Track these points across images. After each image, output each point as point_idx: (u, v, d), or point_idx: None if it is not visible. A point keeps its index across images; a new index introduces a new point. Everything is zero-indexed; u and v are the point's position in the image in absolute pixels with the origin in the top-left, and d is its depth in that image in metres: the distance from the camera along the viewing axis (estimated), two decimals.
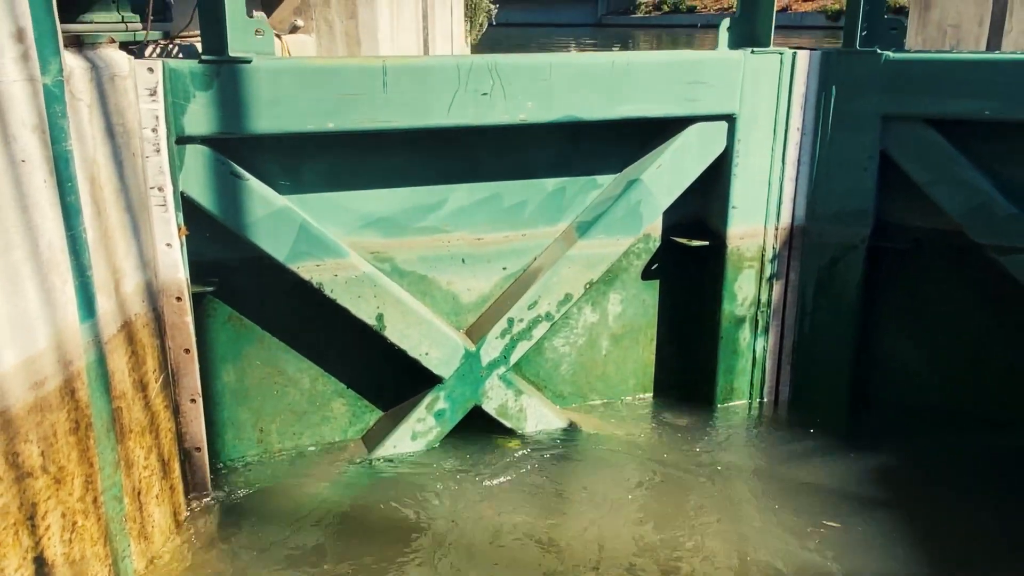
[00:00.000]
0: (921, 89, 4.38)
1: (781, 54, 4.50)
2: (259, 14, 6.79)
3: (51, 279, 2.86)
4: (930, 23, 10.52)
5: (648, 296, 4.99)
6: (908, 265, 4.78)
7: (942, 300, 4.78)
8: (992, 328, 4.72)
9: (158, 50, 4.00)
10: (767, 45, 4.51)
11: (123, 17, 3.46)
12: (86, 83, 3.09)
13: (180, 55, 4.54)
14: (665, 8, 55.51)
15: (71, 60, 3.04)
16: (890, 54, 4.42)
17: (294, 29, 7.09)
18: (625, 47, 40.45)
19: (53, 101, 2.85)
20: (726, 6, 49.84)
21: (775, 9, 4.53)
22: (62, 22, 2.99)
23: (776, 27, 4.59)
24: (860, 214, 4.65)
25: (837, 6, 42.93)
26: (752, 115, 4.55)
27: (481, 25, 14.73)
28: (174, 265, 3.70)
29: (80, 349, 3.01)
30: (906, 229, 4.73)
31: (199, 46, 3.95)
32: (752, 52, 4.47)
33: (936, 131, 4.42)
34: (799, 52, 4.52)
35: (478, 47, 16.07)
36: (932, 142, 4.43)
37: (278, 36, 6.38)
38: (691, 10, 53.82)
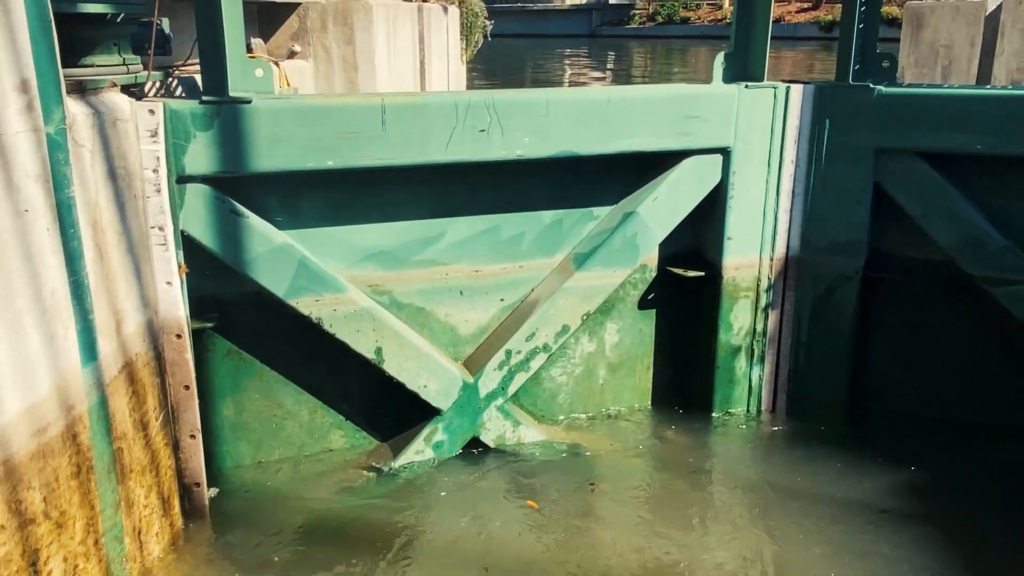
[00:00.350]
0: (914, 123, 4.43)
1: (775, 88, 4.55)
2: (257, 40, 6.85)
3: (54, 326, 2.89)
4: (922, 42, 10.62)
5: (645, 326, 5.02)
6: (903, 295, 4.83)
7: (936, 330, 4.83)
8: (986, 359, 4.77)
9: (158, 83, 4.03)
10: (761, 79, 4.56)
11: (124, 59, 3.48)
12: (88, 129, 3.12)
13: (180, 89, 4.59)
14: (659, 19, 55.73)
15: (74, 107, 3.07)
16: (883, 88, 4.48)
17: (292, 54, 7.14)
18: (619, 58, 40.62)
19: (56, 149, 2.88)
20: (720, 18, 50.12)
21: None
22: (64, 65, 3.03)
23: (770, 38, 4.60)
24: (854, 245, 4.69)
25: (830, 17, 43.23)
26: (746, 148, 4.60)
27: (477, 43, 14.77)
28: (174, 303, 3.72)
29: (82, 393, 3.04)
30: (900, 260, 4.77)
31: (199, 78, 3.99)
32: (746, 87, 4.52)
33: (929, 164, 4.47)
34: (792, 86, 4.58)
35: (474, 61, 16.14)
36: (925, 175, 4.48)
37: (276, 63, 6.43)
38: (685, 21, 54.08)
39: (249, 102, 3.72)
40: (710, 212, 4.75)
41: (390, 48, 7.86)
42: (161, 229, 3.63)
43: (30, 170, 2.75)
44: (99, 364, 3.15)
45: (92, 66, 3.39)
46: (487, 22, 15.99)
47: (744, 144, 4.59)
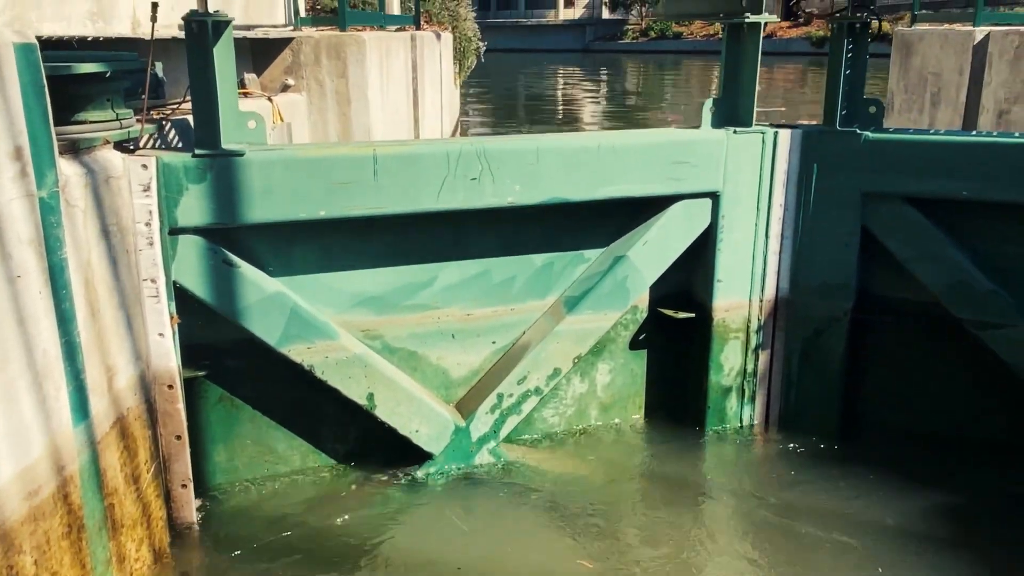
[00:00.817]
0: (900, 169, 4.48)
1: (763, 133, 4.60)
2: (250, 76, 6.89)
3: (46, 388, 2.90)
4: (911, 69, 10.71)
5: (636, 366, 5.05)
6: (891, 336, 4.87)
7: (925, 371, 4.86)
8: (974, 400, 4.80)
9: (152, 129, 4.04)
10: (749, 125, 4.61)
11: (117, 115, 3.50)
12: (81, 189, 3.15)
13: (173, 131, 4.61)
14: (652, 34, 56.06)
15: (67, 168, 3.09)
16: (869, 134, 4.53)
17: (285, 88, 7.17)
18: (612, 72, 40.81)
19: (49, 213, 2.90)
20: (712, 33, 50.39)
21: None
22: (57, 122, 3.05)
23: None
24: (842, 287, 4.73)
25: (821, 32, 43.48)
26: (735, 192, 4.64)
27: (470, 65, 14.86)
28: (166, 354, 3.74)
29: (73, 453, 3.05)
30: (889, 301, 4.81)
31: (191, 118, 4.01)
32: (735, 132, 4.57)
33: (915, 209, 4.52)
34: (780, 131, 4.63)
35: (468, 80, 16.20)
36: (912, 219, 4.53)
37: (269, 99, 6.47)
38: (677, 36, 54.39)
39: (242, 155, 3.75)
40: (700, 254, 4.79)
41: (383, 80, 7.90)
42: (153, 281, 3.66)
43: (23, 236, 2.78)
44: (91, 422, 3.16)
45: (85, 122, 3.42)
46: (480, 43, 16.09)
47: (733, 188, 4.63)
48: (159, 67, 4.83)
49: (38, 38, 2.92)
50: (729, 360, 4.90)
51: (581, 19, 62.85)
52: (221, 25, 3.63)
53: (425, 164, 4.06)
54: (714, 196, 4.64)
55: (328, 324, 4.14)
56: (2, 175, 2.68)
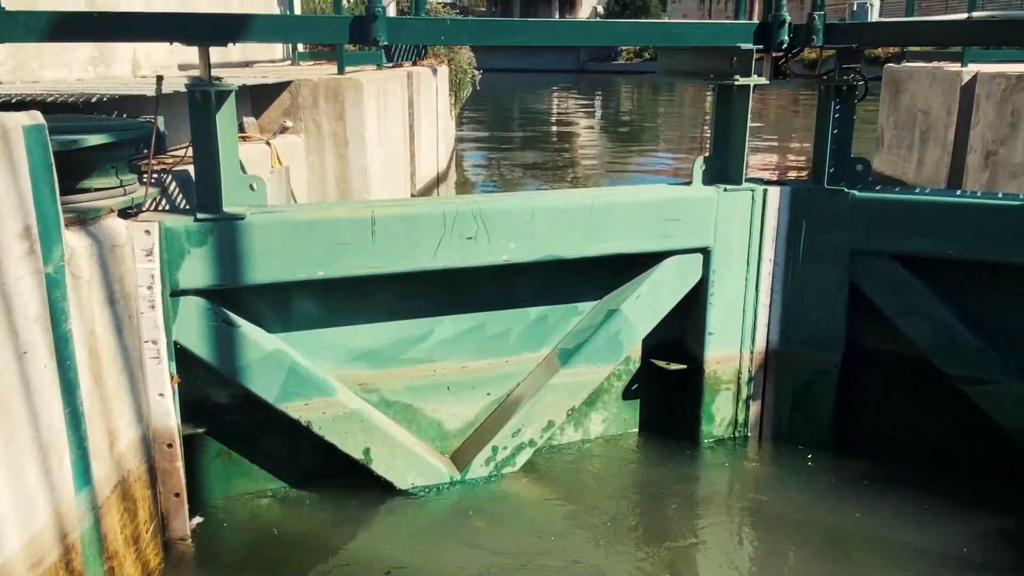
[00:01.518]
0: (886, 227, 4.58)
1: (752, 191, 4.70)
2: (249, 120, 6.98)
3: (50, 459, 2.96)
4: (901, 106, 10.87)
5: (629, 415, 5.13)
6: (881, 388, 4.95)
7: (914, 423, 4.94)
8: (961, 453, 4.88)
9: (155, 192, 4.12)
10: (739, 183, 4.71)
11: (121, 181, 3.57)
12: (86, 259, 3.22)
13: (174, 184, 4.68)
14: (646, 56, 56.41)
15: (72, 240, 3.17)
16: (856, 192, 4.63)
17: (283, 129, 7.26)
18: (606, 93, 41.06)
19: (54, 287, 2.97)
20: None
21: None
22: (63, 191, 3.11)
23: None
24: (832, 340, 4.82)
25: (813, 55, 43.86)
26: (726, 248, 4.73)
27: (466, 96, 15.01)
28: (166, 414, 3.80)
29: (76, 520, 3.10)
30: (878, 354, 4.90)
31: (191, 170, 4.08)
32: (725, 190, 4.67)
33: (902, 266, 4.61)
34: (770, 189, 4.73)
35: (464, 105, 16.29)
36: (899, 276, 4.62)
37: (268, 143, 6.56)
38: None
39: (243, 218, 3.83)
40: (692, 307, 4.88)
41: (380, 120, 8.01)
42: (154, 343, 3.72)
43: (30, 313, 2.85)
44: (93, 488, 3.22)
45: (91, 190, 3.49)
46: (476, 72, 16.26)
47: (724, 244, 4.73)
48: (161, 121, 4.91)
49: (40, 108, 3.01)
50: (720, 411, 4.97)
51: None
52: (224, 94, 3.72)
53: (422, 224, 4.15)
54: (705, 251, 4.73)
55: (326, 380, 4.21)
56: (11, 254, 2.76)
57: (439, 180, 11.65)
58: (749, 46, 4.49)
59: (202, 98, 3.69)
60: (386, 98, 8.34)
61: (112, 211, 3.51)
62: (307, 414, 4.16)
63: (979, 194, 4.59)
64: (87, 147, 3.38)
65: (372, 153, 7.63)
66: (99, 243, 3.32)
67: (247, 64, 9.94)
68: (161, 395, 3.77)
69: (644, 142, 22.07)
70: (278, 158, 6.63)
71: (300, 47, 11.36)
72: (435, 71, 11.39)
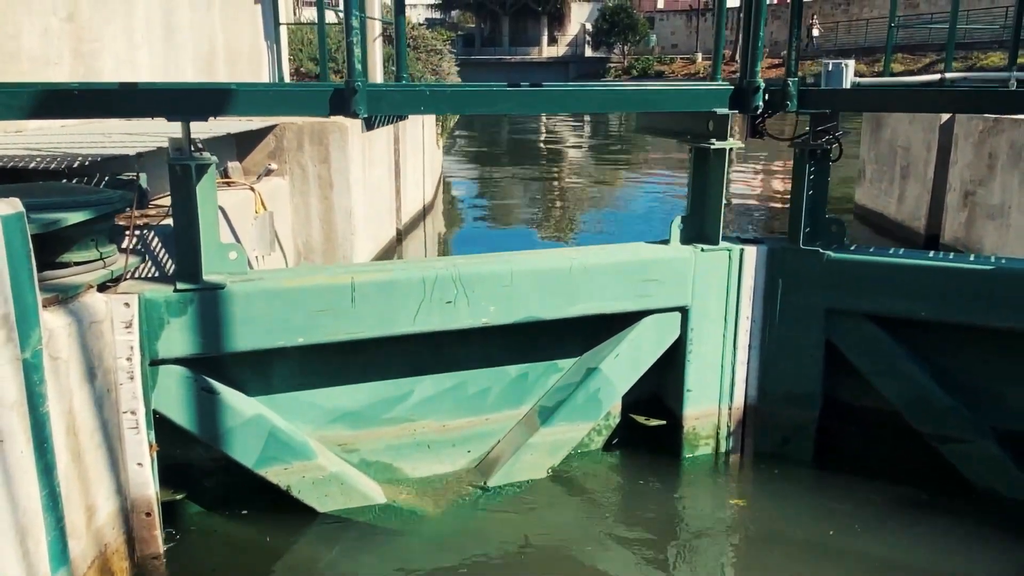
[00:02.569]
0: (861, 287, 4.64)
1: (729, 251, 4.76)
2: (233, 164, 7.01)
3: (27, 543, 2.97)
4: (882, 141, 10.99)
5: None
6: (858, 443, 5.00)
7: (892, 477, 4.99)
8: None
9: (136, 262, 4.14)
10: (716, 242, 4.77)
11: (101, 254, 3.60)
12: (65, 339, 3.24)
13: (156, 239, 4.70)
14: (634, 73, 56.79)
15: (50, 321, 3.18)
16: (831, 253, 4.69)
17: (268, 172, 7.30)
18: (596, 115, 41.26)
19: (32, 372, 2.98)
20: (694, 72, 51.19)
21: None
22: (42, 266, 3.12)
23: None
24: (809, 396, 4.88)
25: (801, 74, 44.22)
26: (704, 306, 4.79)
27: (453, 125, 15.09)
28: (145, 483, 3.81)
29: None
30: (854, 410, 4.96)
31: (171, 222, 4.10)
32: (702, 250, 4.73)
33: (877, 326, 4.68)
34: (746, 248, 4.79)
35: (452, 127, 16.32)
36: (873, 336, 4.69)
37: (252, 189, 6.59)
38: (659, 75, 55.10)
39: (223, 287, 3.85)
40: (670, 364, 4.93)
41: (365, 160, 8.05)
42: (133, 413, 3.73)
43: (6, 400, 2.86)
44: (70, 566, 3.22)
45: (70, 264, 3.52)
46: None
47: (701, 303, 4.78)
48: (144, 178, 4.94)
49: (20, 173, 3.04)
50: (700, 466, 5.01)
51: (564, 56, 63.69)
52: (203, 167, 3.76)
53: (402, 290, 4.18)
54: (683, 310, 4.79)
55: (306, 444, 4.23)
56: None
57: (425, 212, 11.70)
58: (725, 111, 4.57)
59: (183, 172, 3.73)
60: (371, 137, 8.39)
61: (91, 287, 3.53)
62: (286, 478, 4.17)
63: (951, 257, 4.67)
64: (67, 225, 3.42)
65: (357, 194, 7.67)
66: (78, 320, 3.34)
67: None
68: (140, 464, 3.78)
69: (632, 162, 22.19)
70: (263, 203, 6.67)
71: (287, 77, 11.42)
72: None
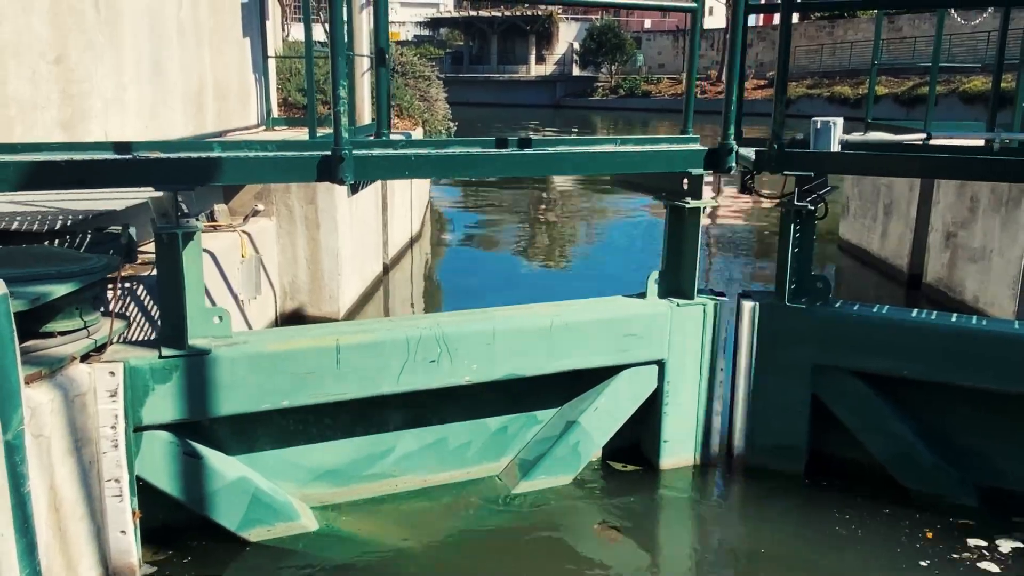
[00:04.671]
0: (845, 344, 4.72)
1: (704, 305, 4.85)
2: (220, 207, 7.05)
3: None
4: (865, 177, 11.08)
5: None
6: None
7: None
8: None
9: (121, 327, 4.18)
10: (692, 298, 4.86)
11: (85, 322, 3.64)
12: (48, 415, 3.27)
13: (143, 289, 4.72)
14: (621, 92, 57.23)
15: (33, 397, 3.21)
16: (817, 310, 4.77)
17: (255, 213, 7.35)
18: (582, 128, 41.50)
19: (13, 453, 3.00)
20: (680, 92, 51.55)
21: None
22: (24, 334, 3.13)
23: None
24: (794, 449, 4.94)
25: (788, 95, 44.67)
26: (680, 360, 4.88)
27: None
28: (127, 551, 3.83)
29: None
30: (841, 462, 5.00)
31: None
32: (678, 304, 4.82)
33: (863, 382, 4.74)
34: (721, 301, 4.89)
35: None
36: (859, 392, 4.75)
37: (239, 232, 6.63)
38: (646, 95, 55.56)
39: (208, 352, 3.90)
40: (647, 415, 5.01)
41: (352, 199, 8.11)
42: (117, 481, 3.76)
43: None
44: None
45: (53, 334, 3.55)
46: (452, 124, 16.48)
47: (678, 356, 4.87)
48: (132, 231, 4.98)
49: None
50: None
51: (552, 75, 64.10)
52: (189, 235, 3.81)
53: (386, 351, 4.24)
54: (660, 363, 4.87)
55: (288, 504, 4.27)
56: None
57: (412, 242, 11.75)
58: (699, 171, 4.66)
59: (169, 240, 3.78)
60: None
61: (75, 358, 3.57)
62: (268, 539, 4.21)
63: (934, 316, 4.73)
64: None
65: (343, 234, 7.73)
66: (62, 394, 3.37)
67: (221, 134, 10.03)
68: (123, 532, 3.81)
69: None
70: (251, 246, 6.72)
71: (275, 112, 11.48)
72: (409, 136, 11.52)
